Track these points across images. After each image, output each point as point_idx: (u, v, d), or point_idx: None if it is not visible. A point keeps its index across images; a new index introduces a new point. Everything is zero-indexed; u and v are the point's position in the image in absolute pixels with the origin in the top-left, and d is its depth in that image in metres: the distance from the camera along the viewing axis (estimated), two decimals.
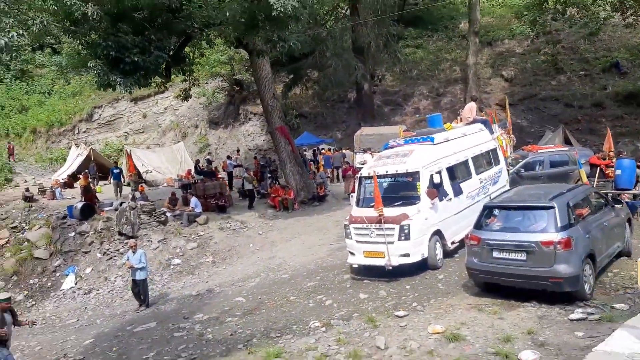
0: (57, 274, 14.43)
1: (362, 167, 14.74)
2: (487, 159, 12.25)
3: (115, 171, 21.34)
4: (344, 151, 23.45)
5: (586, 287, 7.40)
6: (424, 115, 24.30)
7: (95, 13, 12.48)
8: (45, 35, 16.62)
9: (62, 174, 25.51)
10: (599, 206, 8.83)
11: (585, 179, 11.99)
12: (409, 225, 9.47)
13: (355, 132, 24.82)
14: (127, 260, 11.42)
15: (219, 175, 22.15)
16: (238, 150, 28.07)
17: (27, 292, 13.88)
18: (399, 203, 9.92)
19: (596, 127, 23.10)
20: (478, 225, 8.36)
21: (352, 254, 10.35)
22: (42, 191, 20.19)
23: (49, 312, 13.07)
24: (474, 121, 13.35)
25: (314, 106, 30.63)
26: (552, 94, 25.86)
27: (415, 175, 9.99)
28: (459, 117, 14.94)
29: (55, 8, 12.94)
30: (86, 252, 14.94)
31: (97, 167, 24.88)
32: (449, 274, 9.52)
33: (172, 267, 14.25)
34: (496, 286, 8.04)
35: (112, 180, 21.78)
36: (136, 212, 15.42)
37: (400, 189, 10.33)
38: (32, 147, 34.61)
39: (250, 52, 17.95)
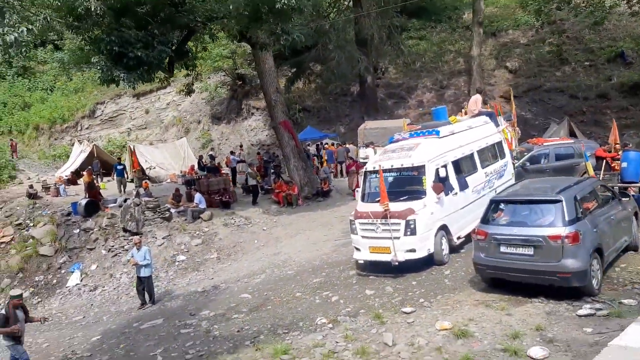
0: (63, 271, 14.48)
1: (365, 162, 14.72)
2: (492, 153, 12.16)
3: (119, 167, 21.35)
4: (347, 146, 23.34)
5: (594, 282, 7.34)
6: (428, 108, 24.18)
7: (99, 8, 12.40)
8: (48, 32, 16.56)
9: (66, 170, 25.54)
10: (606, 199, 8.73)
11: (591, 172, 11.90)
12: (415, 220, 9.42)
13: (359, 126, 24.67)
14: (132, 257, 11.43)
15: (223, 171, 22.13)
16: (241, 146, 28.00)
17: (32, 289, 13.94)
18: (404, 198, 9.86)
19: (601, 118, 22.92)
20: (485, 220, 8.30)
21: (357, 249, 10.31)
22: (46, 188, 20.24)
23: (55, 309, 13.13)
24: (479, 114, 13.24)
25: (316, 100, 30.49)
26: (557, 85, 25.65)
27: (420, 169, 9.91)
28: (463, 110, 14.83)
29: (58, 3, 12.86)
30: (91, 249, 14.97)
31: (101, 164, 24.90)
32: (455, 270, 9.47)
33: (177, 263, 14.27)
34: (502, 281, 8.00)
35: (115, 177, 21.79)
36: (140, 209, 15.41)
37: (406, 184, 10.27)
38: (35, 144, 34.64)
39: (253, 45, 17.82)
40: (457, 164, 10.68)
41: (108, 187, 22.05)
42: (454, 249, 10.32)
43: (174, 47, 15.53)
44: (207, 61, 31.47)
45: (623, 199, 9.41)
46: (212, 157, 26.32)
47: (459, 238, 10.41)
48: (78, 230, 15.56)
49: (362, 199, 10.59)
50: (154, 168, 24.57)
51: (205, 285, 12.27)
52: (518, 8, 31.07)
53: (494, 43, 29.65)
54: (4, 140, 31.46)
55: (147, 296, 11.63)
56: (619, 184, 11.84)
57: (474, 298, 7.95)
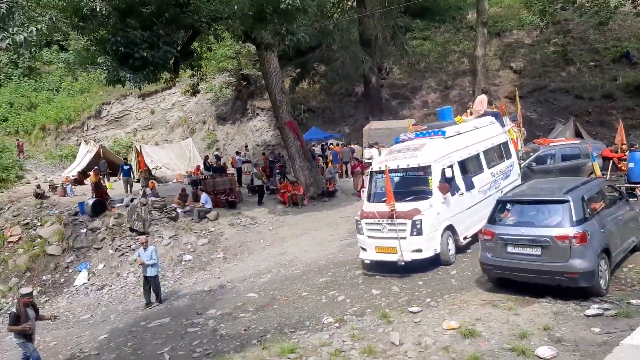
0: (70, 270, 14.57)
1: (370, 162, 14.73)
2: (498, 153, 12.15)
3: (125, 167, 21.43)
4: (352, 146, 23.36)
5: (602, 282, 7.33)
6: (433, 108, 24.17)
7: (104, 8, 12.48)
8: (53, 32, 16.65)
9: (72, 170, 25.68)
10: (614, 200, 8.70)
11: (598, 172, 11.87)
12: (421, 220, 9.43)
13: (364, 127, 24.69)
14: (138, 256, 11.50)
15: (228, 171, 22.18)
16: (246, 146, 28.06)
17: (40, 288, 14.03)
18: (410, 198, 9.86)
19: (607, 119, 22.85)
20: (492, 220, 8.31)
21: (363, 249, 10.33)
22: (53, 188, 20.33)
23: (63, 307, 13.22)
24: (485, 114, 13.24)
25: (321, 100, 30.52)
26: (562, 86, 25.57)
27: (427, 169, 9.92)
28: (469, 110, 14.83)
29: (64, 4, 12.95)
30: (98, 249, 15.07)
31: (107, 164, 25.02)
32: (461, 270, 9.47)
33: (183, 263, 14.33)
34: (509, 282, 8.00)
35: (121, 177, 21.88)
36: (147, 209, 15.50)
37: (412, 184, 10.29)
38: (42, 144, 34.84)
39: (258, 45, 17.87)
40: (463, 164, 10.68)
41: (115, 187, 22.15)
42: (460, 249, 10.32)
43: (179, 48, 15.61)
44: (212, 62, 31.57)
45: (630, 199, 9.40)
46: (218, 158, 26.38)
47: (465, 238, 10.41)
48: (85, 230, 15.66)
49: (368, 199, 10.60)
50: (160, 168, 24.66)
51: (212, 285, 12.33)
52: (522, 8, 31.01)
53: (499, 43, 29.61)
54: (11, 140, 31.63)
55: (153, 295, 11.71)
56: (626, 185, 11.82)
57: (480, 298, 7.96)
